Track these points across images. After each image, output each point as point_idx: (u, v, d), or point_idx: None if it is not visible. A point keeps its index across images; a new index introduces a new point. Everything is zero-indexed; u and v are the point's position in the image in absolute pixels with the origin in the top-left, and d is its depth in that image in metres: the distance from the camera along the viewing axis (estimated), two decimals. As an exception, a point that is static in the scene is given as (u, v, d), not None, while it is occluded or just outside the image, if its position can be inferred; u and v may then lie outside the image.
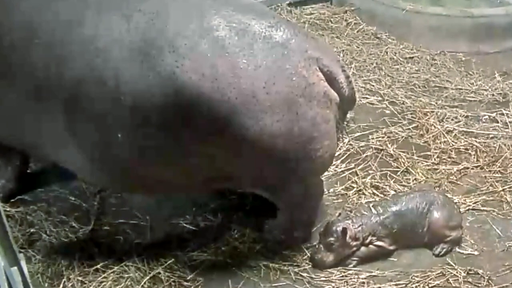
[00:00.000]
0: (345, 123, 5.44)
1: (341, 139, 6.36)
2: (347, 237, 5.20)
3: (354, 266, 5.33)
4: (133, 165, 4.94)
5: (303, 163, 4.99)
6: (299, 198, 5.31)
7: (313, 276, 5.23)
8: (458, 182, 6.24)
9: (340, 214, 5.79)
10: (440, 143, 6.78)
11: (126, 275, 5.18)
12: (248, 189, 5.40)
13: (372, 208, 5.35)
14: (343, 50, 8.56)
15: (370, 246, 5.32)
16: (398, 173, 6.34)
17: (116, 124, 4.73)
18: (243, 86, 4.59)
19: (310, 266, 5.33)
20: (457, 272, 5.26)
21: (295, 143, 4.85)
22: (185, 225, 5.66)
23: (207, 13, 4.71)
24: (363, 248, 5.32)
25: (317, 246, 5.33)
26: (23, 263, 3.98)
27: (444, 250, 5.41)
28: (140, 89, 4.60)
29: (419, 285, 5.18)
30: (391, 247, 5.38)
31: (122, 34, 4.67)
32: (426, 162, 6.50)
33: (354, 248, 5.30)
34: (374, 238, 5.29)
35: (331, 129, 5.02)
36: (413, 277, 5.22)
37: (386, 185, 6.15)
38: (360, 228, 5.25)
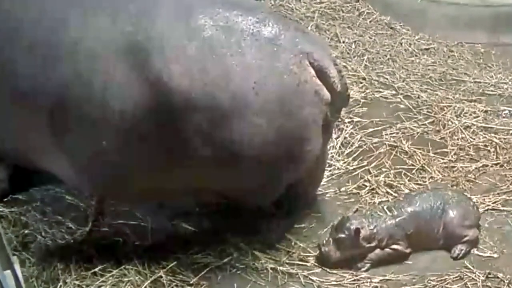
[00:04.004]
0: (338, 117, 5.42)
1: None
2: (360, 238, 5.19)
3: (367, 270, 5.31)
4: (122, 172, 4.97)
5: (291, 163, 5.08)
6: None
7: (323, 280, 5.22)
8: (477, 181, 6.23)
9: (357, 210, 5.80)
10: (458, 139, 6.77)
11: (126, 279, 5.18)
12: (237, 195, 5.40)
13: (387, 210, 5.33)
14: (355, 41, 8.56)
15: (385, 249, 5.31)
16: (413, 171, 6.33)
17: (103, 130, 4.76)
18: (233, 89, 4.64)
19: (320, 269, 5.32)
20: (475, 276, 5.24)
21: (285, 143, 4.90)
22: (187, 226, 5.65)
23: (193, 13, 4.75)
24: (377, 251, 5.31)
25: (327, 239, 5.31)
26: (17, 266, 4.00)
27: (462, 251, 5.39)
28: (128, 94, 4.64)
29: (435, 290, 5.19)
30: (407, 250, 5.36)
31: (108, 36, 4.72)
32: (443, 159, 6.49)
33: (365, 250, 5.29)
34: (390, 241, 5.28)
35: (319, 130, 5.07)
36: (429, 281, 5.20)
37: (401, 184, 6.13)
38: (375, 230, 5.24)
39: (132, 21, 4.73)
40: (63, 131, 4.90)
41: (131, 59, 4.65)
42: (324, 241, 5.31)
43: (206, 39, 4.67)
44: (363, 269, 5.30)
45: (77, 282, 5.14)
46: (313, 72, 4.90)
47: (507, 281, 5.22)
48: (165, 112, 4.65)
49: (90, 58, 4.71)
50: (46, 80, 4.80)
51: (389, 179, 6.20)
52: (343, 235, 5.19)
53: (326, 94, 4.99)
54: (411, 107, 7.30)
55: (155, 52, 4.62)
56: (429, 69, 8.08)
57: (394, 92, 7.57)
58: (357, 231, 5.16)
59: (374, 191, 6.08)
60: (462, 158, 6.53)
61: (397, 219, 5.28)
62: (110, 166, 4.93)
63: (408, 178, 6.24)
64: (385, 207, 5.38)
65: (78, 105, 4.75)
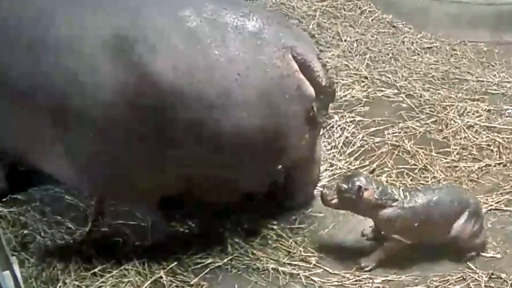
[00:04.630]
0: (325, 114, 5.42)
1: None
2: (360, 197, 5.13)
3: (371, 270, 5.31)
4: (112, 167, 5.01)
5: (272, 159, 5.14)
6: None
7: (325, 280, 5.22)
8: (480, 181, 6.22)
9: (373, 171, 5.87)
10: (461, 138, 6.76)
11: (126, 280, 5.18)
12: (224, 188, 5.40)
13: (401, 192, 5.24)
14: (357, 40, 8.56)
15: (387, 243, 5.30)
16: (416, 171, 6.33)
17: (92, 125, 4.80)
18: (217, 80, 4.70)
19: (322, 270, 5.32)
20: (478, 277, 5.24)
21: (266, 138, 4.95)
22: (188, 226, 5.65)
23: (179, 5, 4.82)
24: (381, 248, 5.32)
25: (333, 183, 5.36)
26: (16, 267, 4.00)
27: (471, 256, 5.39)
28: (114, 88, 4.68)
29: (438, 290, 5.18)
30: (409, 242, 5.32)
31: (95, 30, 4.77)
32: (446, 159, 6.48)
33: (361, 212, 5.33)
34: (389, 224, 5.20)
35: (302, 125, 5.13)
36: (431, 282, 5.20)
37: (403, 184, 6.12)
38: (378, 201, 5.15)
39: (118, 13, 4.81)
40: (58, 128, 4.94)
41: (116, 51, 4.69)
42: (331, 185, 5.40)
43: (191, 30, 4.73)
44: (366, 269, 5.30)
45: (76, 283, 5.14)
46: (296, 66, 4.96)
47: (510, 282, 5.21)
48: (151, 104, 4.69)
49: (77, 53, 4.77)
50: (40, 77, 4.85)
51: (391, 178, 6.19)
52: (345, 186, 5.16)
53: (310, 89, 5.06)
54: (413, 106, 7.30)
55: (140, 43, 4.67)
56: (431, 68, 8.07)
57: (396, 91, 7.57)
58: (359, 189, 5.12)
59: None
60: (465, 157, 6.53)
61: (405, 205, 5.20)
62: (102, 162, 4.97)
63: (411, 178, 6.23)
64: (401, 189, 5.29)
65: (68, 101, 4.79)
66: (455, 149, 6.62)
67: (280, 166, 5.26)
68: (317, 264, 5.37)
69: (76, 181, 5.21)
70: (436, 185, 5.96)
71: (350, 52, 8.34)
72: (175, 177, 5.07)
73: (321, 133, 6.60)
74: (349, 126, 6.90)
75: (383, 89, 7.59)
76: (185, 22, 4.75)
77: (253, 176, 5.27)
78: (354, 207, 5.26)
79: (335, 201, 5.26)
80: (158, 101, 4.68)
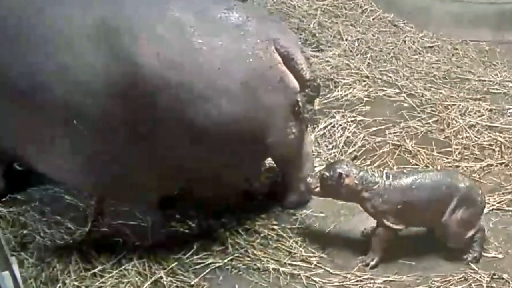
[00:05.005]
0: (312, 111, 5.44)
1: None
2: (342, 184, 5.20)
3: (376, 265, 5.34)
4: (97, 159, 5.07)
5: (254, 152, 5.21)
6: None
7: (326, 281, 5.22)
8: (481, 180, 6.21)
9: (355, 157, 5.93)
10: (462, 138, 6.76)
11: (126, 280, 5.18)
12: (203, 186, 5.46)
13: (384, 174, 5.28)
14: (358, 39, 8.56)
15: (377, 231, 5.34)
16: (417, 171, 6.31)
17: (79, 114, 4.86)
18: (200, 69, 4.77)
19: (323, 270, 5.32)
20: (480, 277, 5.23)
21: (249, 129, 5.01)
22: (188, 226, 5.65)
23: None
24: (373, 240, 5.37)
25: (319, 171, 5.40)
26: (15, 267, 4.00)
27: (475, 256, 5.38)
28: (100, 77, 4.76)
29: (439, 291, 5.18)
30: (398, 226, 5.30)
31: (78, 18, 4.86)
32: (447, 158, 6.48)
33: (345, 199, 5.40)
34: (373, 205, 5.24)
35: (285, 117, 5.19)
36: (433, 282, 5.20)
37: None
38: (359, 187, 5.22)
39: (103, 3, 4.90)
40: (50, 122, 5.01)
41: (102, 40, 4.77)
42: (314, 173, 5.43)
43: (175, 19, 4.82)
44: (372, 263, 5.33)
45: (76, 283, 5.15)
46: (279, 58, 5.04)
47: (513, 282, 5.23)
48: (135, 92, 4.75)
49: (63, 43, 4.85)
50: (31, 72, 4.93)
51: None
52: (327, 174, 5.23)
53: (293, 82, 5.14)
54: (414, 105, 7.29)
55: (125, 32, 4.75)
56: (433, 67, 8.07)
57: (397, 90, 7.57)
58: (340, 175, 5.18)
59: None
60: (466, 157, 6.52)
61: (386, 188, 5.23)
62: (88, 153, 5.05)
63: (412, 177, 6.22)
64: (384, 172, 5.33)
65: (52, 89, 4.87)
66: (457, 148, 6.61)
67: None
68: (318, 265, 5.37)
69: (72, 176, 5.24)
70: (425, 168, 5.98)
71: (351, 51, 8.33)
72: (162, 169, 5.10)
73: (322, 132, 6.65)
74: (350, 125, 6.90)
75: (384, 88, 7.59)
76: (169, 12, 4.83)
77: (239, 169, 5.33)
78: (337, 194, 5.33)
79: (318, 189, 5.34)
80: (142, 90, 4.73)
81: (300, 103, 5.19)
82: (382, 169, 5.51)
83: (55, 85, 4.85)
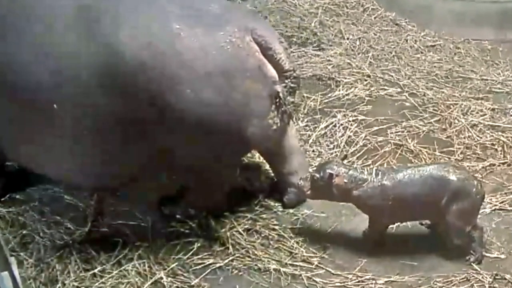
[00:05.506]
0: (292, 102, 5.46)
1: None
2: (333, 184, 5.25)
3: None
4: (79, 146, 5.10)
5: (233, 140, 5.20)
6: (216, 181, 5.59)
7: (327, 281, 5.22)
8: (484, 180, 6.20)
9: (345, 156, 5.91)
10: (464, 138, 6.75)
11: (126, 280, 5.17)
12: (181, 174, 5.51)
13: (373, 172, 5.33)
14: (359, 38, 8.56)
15: (368, 227, 5.44)
16: (419, 171, 6.31)
17: (60, 100, 4.92)
18: (178, 54, 4.83)
19: (324, 271, 5.32)
20: (482, 277, 5.23)
21: (227, 117, 5.04)
22: (188, 226, 5.64)
23: None
24: (368, 231, 5.47)
25: (309, 174, 5.48)
26: (14, 268, 3.99)
27: (477, 257, 5.38)
28: (80, 61, 4.82)
29: (441, 291, 5.18)
30: (386, 221, 5.41)
31: (59, 4, 4.95)
32: (449, 158, 6.47)
33: (337, 199, 5.42)
34: (356, 192, 5.29)
35: (264, 106, 5.20)
36: (435, 283, 5.19)
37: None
38: (349, 185, 5.27)
39: None
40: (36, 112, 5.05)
41: (82, 25, 4.83)
42: (306, 176, 5.47)
43: (154, 5, 4.93)
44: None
45: (76, 284, 5.14)
46: (256, 47, 5.11)
47: (515, 283, 5.23)
48: (116, 77, 4.81)
49: (44, 28, 4.91)
50: (15, 60, 4.99)
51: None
52: (317, 175, 5.29)
53: (271, 71, 5.18)
54: (416, 105, 7.29)
55: (105, 17, 4.83)
56: (435, 67, 8.07)
57: (399, 89, 7.56)
58: (330, 176, 5.23)
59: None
60: (468, 157, 6.52)
61: (375, 185, 5.27)
62: (70, 140, 5.08)
63: (414, 177, 6.22)
64: (374, 169, 5.37)
65: (38, 79, 4.92)
66: (459, 148, 6.61)
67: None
68: (319, 265, 5.37)
69: (55, 167, 5.31)
70: (416, 164, 6.06)
71: (352, 50, 8.34)
72: (138, 155, 5.14)
73: (323, 132, 6.65)
74: (351, 125, 6.90)
75: (386, 87, 7.59)
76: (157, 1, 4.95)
77: (220, 162, 5.35)
78: (329, 194, 5.36)
79: (309, 192, 5.40)
80: (121, 73, 4.79)
81: (281, 95, 5.22)
82: (372, 167, 5.54)
83: (37, 74, 4.89)
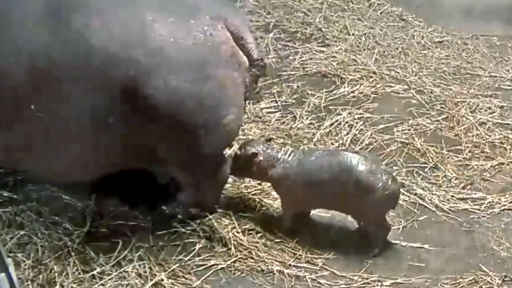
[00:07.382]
0: (256, 88, 5.55)
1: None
2: (252, 162, 5.47)
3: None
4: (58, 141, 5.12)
5: (211, 129, 5.22)
6: (202, 174, 5.56)
7: (332, 283, 5.22)
8: (492, 179, 6.21)
9: (270, 139, 5.91)
10: (473, 136, 6.76)
11: (126, 282, 5.17)
12: (160, 165, 5.50)
13: (285, 152, 5.52)
14: (365, 34, 8.55)
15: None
16: (426, 170, 6.33)
17: (35, 95, 4.93)
18: (150, 45, 4.90)
19: (328, 272, 5.31)
20: (491, 279, 5.24)
21: (203, 106, 5.10)
22: (190, 227, 5.64)
23: None
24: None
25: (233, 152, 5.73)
26: (11, 269, 3.99)
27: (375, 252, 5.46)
28: (52, 54, 4.84)
29: (449, 293, 5.18)
30: (297, 206, 5.62)
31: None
32: (457, 157, 6.48)
33: (257, 177, 5.69)
34: (270, 170, 5.47)
35: (239, 94, 5.30)
36: (442, 284, 5.20)
37: (413, 183, 6.13)
38: (265, 163, 5.49)
39: None
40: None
41: (53, 18, 4.87)
42: (229, 153, 5.75)
43: None
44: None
45: (74, 286, 5.14)
46: (228, 35, 5.19)
47: (525, 285, 5.22)
48: (87, 69, 4.84)
49: (16, 23, 4.93)
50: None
51: (401, 177, 6.17)
52: (239, 152, 5.55)
53: (244, 58, 5.28)
54: (423, 102, 7.29)
55: (76, 9, 4.89)
56: (442, 63, 8.07)
57: (406, 87, 7.56)
58: (253, 154, 5.45)
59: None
60: (477, 155, 6.52)
61: (286, 165, 5.46)
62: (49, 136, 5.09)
63: (421, 176, 6.23)
64: (289, 150, 5.57)
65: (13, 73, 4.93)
66: (467, 146, 6.61)
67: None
68: (323, 266, 5.37)
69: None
70: (332, 149, 6.19)
71: (358, 46, 8.33)
72: (114, 147, 5.16)
73: (328, 130, 6.65)
74: (357, 123, 6.90)
75: (392, 84, 7.58)
76: None
77: (197, 151, 5.34)
78: (250, 173, 5.58)
79: (233, 169, 5.60)
80: (93, 65, 4.83)
81: (247, 82, 5.34)
82: (288, 148, 5.79)
83: (11, 67, 4.90)
